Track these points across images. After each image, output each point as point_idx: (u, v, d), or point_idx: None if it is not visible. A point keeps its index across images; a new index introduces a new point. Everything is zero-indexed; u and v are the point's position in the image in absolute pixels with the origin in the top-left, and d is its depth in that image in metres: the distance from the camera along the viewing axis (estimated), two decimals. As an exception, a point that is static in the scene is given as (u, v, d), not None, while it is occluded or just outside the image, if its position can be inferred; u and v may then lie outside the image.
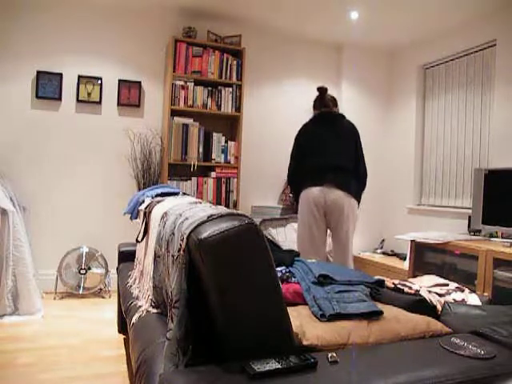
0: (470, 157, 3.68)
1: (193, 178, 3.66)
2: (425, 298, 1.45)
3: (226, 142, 3.77)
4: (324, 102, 2.93)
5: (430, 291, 1.55)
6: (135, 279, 1.99)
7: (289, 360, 0.97)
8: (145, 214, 1.90)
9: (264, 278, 1.04)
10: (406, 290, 1.52)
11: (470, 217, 3.19)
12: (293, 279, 1.56)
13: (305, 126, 2.95)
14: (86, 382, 2.02)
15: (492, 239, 3.00)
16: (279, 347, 1.05)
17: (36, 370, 2.11)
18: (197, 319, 1.11)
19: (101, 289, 3.51)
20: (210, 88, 3.68)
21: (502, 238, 2.98)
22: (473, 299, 1.56)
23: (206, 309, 1.08)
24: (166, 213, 1.51)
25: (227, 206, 3.70)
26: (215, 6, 3.63)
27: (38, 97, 3.47)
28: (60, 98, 3.53)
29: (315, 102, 2.98)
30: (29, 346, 2.39)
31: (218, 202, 3.68)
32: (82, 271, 3.41)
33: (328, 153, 2.79)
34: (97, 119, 3.67)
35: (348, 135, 2.85)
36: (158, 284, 1.53)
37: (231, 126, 3.95)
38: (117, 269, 2.53)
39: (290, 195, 4.00)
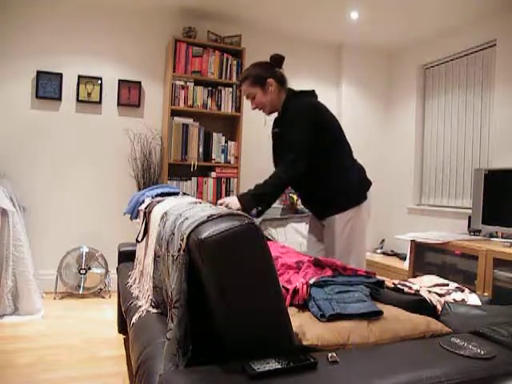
0: (470, 157, 3.68)
1: (193, 178, 3.65)
2: (425, 298, 1.45)
3: (226, 141, 3.77)
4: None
5: (429, 291, 1.55)
6: (135, 279, 1.99)
7: (289, 360, 0.97)
8: (145, 213, 1.90)
9: (264, 278, 1.04)
10: (405, 289, 1.52)
11: (469, 217, 3.19)
12: (293, 279, 1.56)
13: (318, 103, 2.12)
14: (86, 382, 2.02)
15: (492, 239, 3.00)
16: (279, 347, 1.04)
17: (36, 370, 2.11)
18: (197, 319, 1.11)
19: (101, 289, 3.51)
20: (209, 88, 3.67)
21: (502, 238, 2.98)
22: (473, 299, 1.56)
23: (206, 309, 1.08)
24: (165, 213, 1.50)
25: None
26: (215, 6, 3.63)
27: (37, 97, 3.46)
28: (60, 98, 3.53)
29: (282, 76, 2.27)
30: (29, 346, 2.39)
31: (217, 202, 3.67)
32: (81, 271, 3.41)
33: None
34: (97, 119, 3.67)
35: None
36: (158, 284, 1.52)
37: (231, 125, 3.94)
38: (117, 269, 2.53)
39: (292, 195, 3.98)
